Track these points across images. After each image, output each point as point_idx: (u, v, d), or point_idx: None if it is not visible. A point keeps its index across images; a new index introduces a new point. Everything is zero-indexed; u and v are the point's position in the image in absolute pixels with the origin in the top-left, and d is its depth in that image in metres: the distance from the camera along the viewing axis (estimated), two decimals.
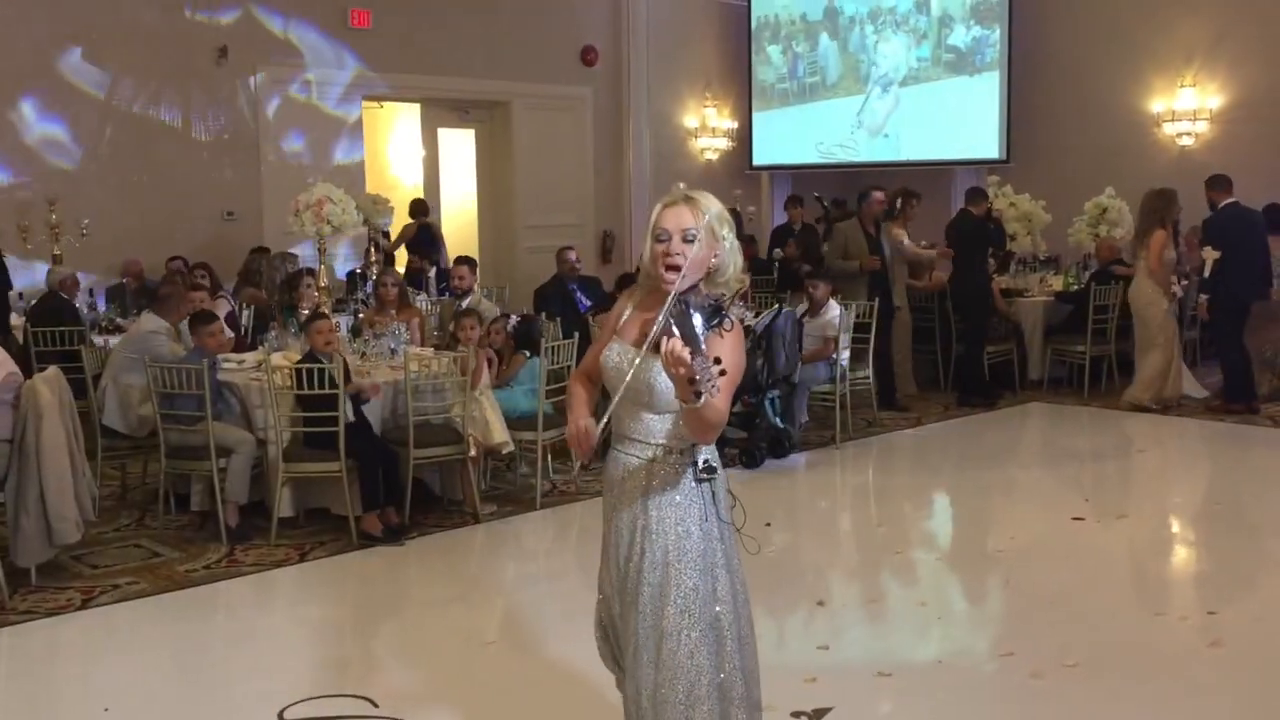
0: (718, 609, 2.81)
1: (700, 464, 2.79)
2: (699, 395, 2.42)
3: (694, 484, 2.80)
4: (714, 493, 2.83)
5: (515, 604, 5.49)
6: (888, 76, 14.05)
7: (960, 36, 13.74)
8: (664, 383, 2.66)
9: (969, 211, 9.79)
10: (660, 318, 2.55)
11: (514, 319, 7.61)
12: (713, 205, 2.79)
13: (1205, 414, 8.97)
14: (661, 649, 2.77)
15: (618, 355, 2.84)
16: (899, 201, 9.69)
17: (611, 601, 2.96)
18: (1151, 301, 9.13)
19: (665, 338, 2.43)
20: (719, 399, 2.55)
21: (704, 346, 2.46)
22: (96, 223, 9.58)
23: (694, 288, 2.73)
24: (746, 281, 2.96)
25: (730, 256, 2.80)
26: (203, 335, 6.39)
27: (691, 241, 2.72)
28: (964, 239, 9.61)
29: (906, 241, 9.66)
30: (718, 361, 2.41)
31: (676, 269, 2.69)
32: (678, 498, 2.80)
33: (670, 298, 2.56)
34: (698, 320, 2.50)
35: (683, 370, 2.40)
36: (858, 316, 8.50)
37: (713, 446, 2.82)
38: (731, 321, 2.72)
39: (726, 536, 2.85)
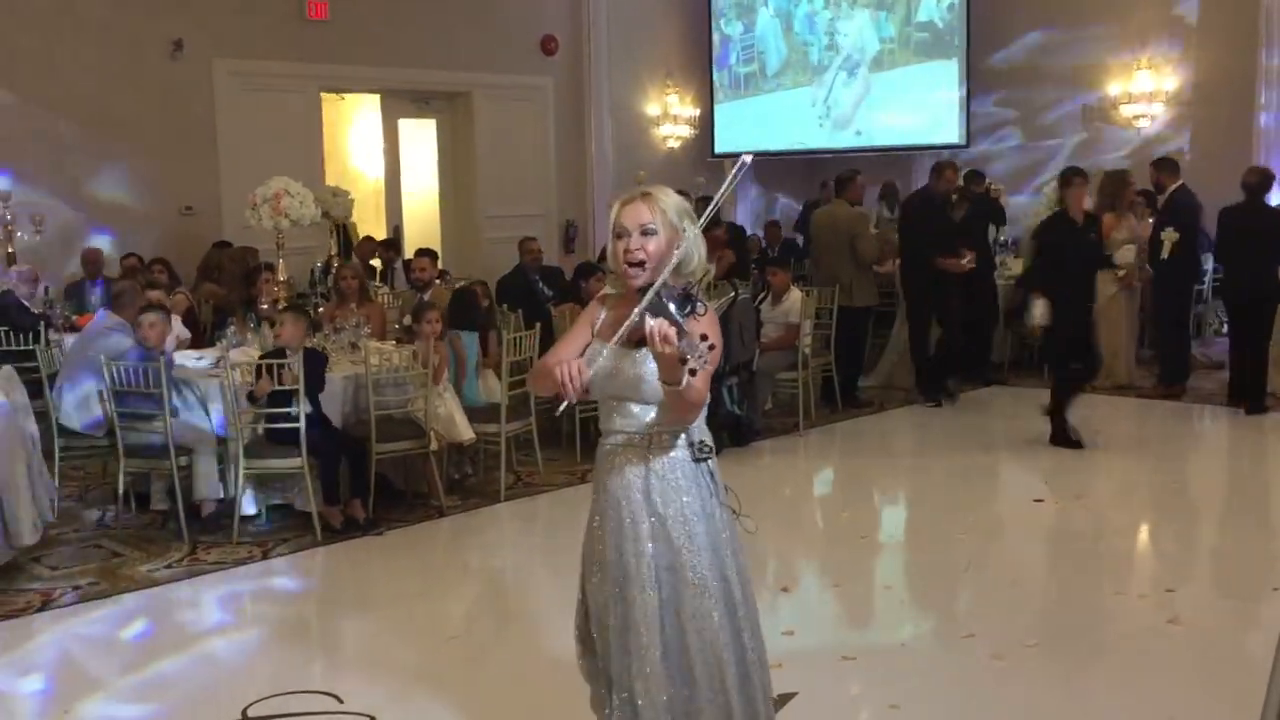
0: (733, 590, 2.82)
1: (697, 444, 2.80)
2: (692, 372, 2.48)
3: (693, 465, 2.81)
4: (712, 472, 2.84)
5: (480, 597, 5.49)
6: (853, 59, 13.94)
7: (932, 10, 13.48)
8: (652, 371, 2.68)
9: (972, 190, 9.91)
10: (636, 311, 2.55)
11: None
12: (670, 198, 2.80)
13: (1161, 396, 9.08)
14: (686, 633, 2.78)
15: (603, 356, 2.77)
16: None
17: (609, 601, 2.85)
18: (1099, 282, 9.26)
19: (650, 321, 2.48)
20: (699, 380, 2.60)
21: (686, 329, 2.50)
22: (52, 220, 9.45)
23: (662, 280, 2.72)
24: (711, 270, 2.91)
25: (693, 247, 2.78)
26: (143, 326, 6.28)
27: (650, 235, 2.74)
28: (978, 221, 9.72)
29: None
30: (704, 339, 2.46)
31: (639, 264, 2.72)
32: (681, 481, 2.80)
33: (650, 291, 2.56)
34: (672, 309, 2.52)
35: (669, 349, 2.45)
36: (819, 304, 8.55)
37: (705, 427, 2.85)
38: (704, 306, 2.68)
39: (726, 517, 2.86)
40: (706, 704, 2.80)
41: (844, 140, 14.04)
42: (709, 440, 2.84)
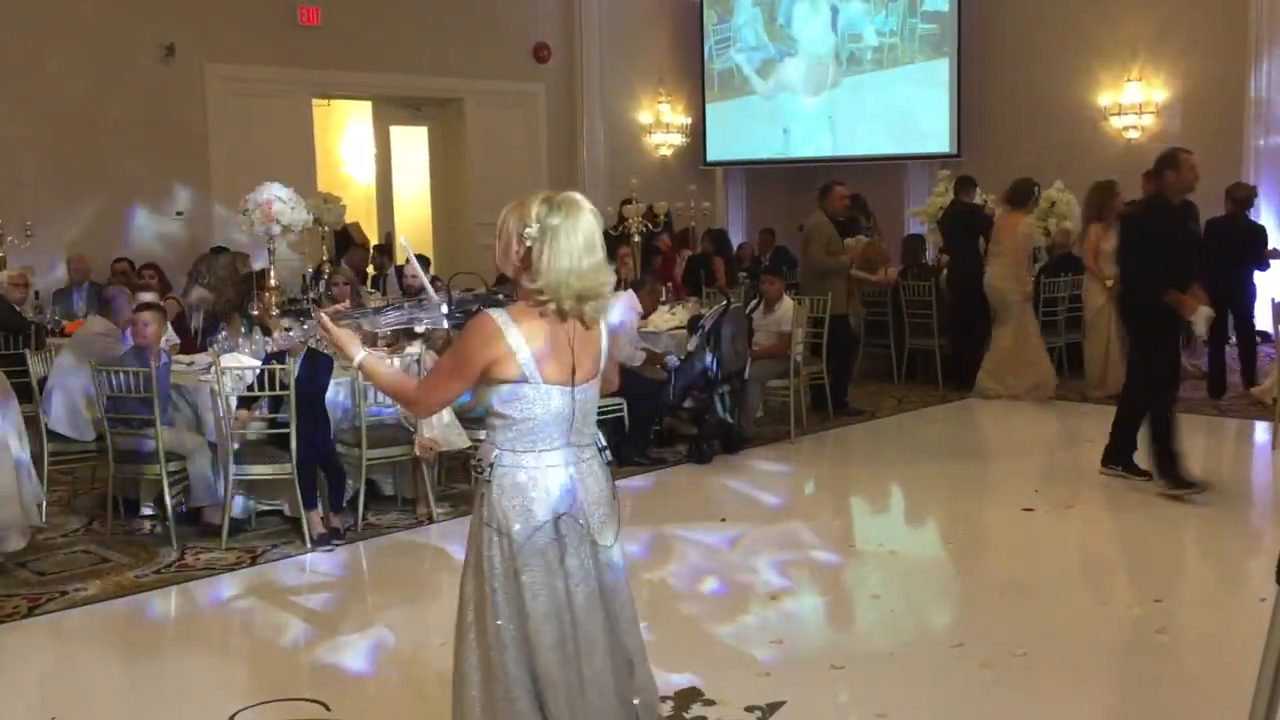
0: (498, 621, 2.78)
1: (475, 460, 2.88)
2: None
3: (477, 481, 2.89)
4: (483, 495, 2.83)
5: None
6: (823, 58, 13.86)
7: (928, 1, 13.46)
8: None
9: (962, 200, 10.00)
10: (394, 308, 3.00)
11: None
12: (522, 209, 2.80)
13: None
14: (458, 646, 2.89)
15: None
16: (1036, 190, 9.59)
17: None
18: (1089, 293, 9.37)
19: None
20: (423, 386, 2.93)
21: (382, 331, 3.03)
22: (41, 224, 9.43)
23: (506, 280, 2.90)
24: (570, 285, 2.75)
25: (539, 257, 2.73)
26: (139, 325, 6.24)
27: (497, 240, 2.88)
28: (960, 229, 9.87)
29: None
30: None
31: None
32: (476, 496, 2.90)
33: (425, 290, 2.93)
34: (432, 313, 2.93)
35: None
36: (811, 312, 8.56)
37: (503, 448, 2.81)
38: (460, 317, 2.89)
39: (504, 547, 2.80)
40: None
41: (824, 144, 14.06)
42: (488, 459, 2.82)
